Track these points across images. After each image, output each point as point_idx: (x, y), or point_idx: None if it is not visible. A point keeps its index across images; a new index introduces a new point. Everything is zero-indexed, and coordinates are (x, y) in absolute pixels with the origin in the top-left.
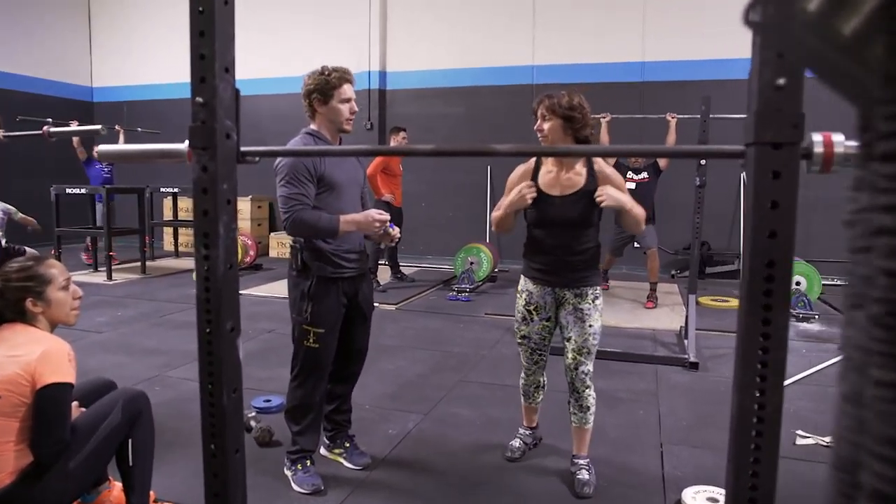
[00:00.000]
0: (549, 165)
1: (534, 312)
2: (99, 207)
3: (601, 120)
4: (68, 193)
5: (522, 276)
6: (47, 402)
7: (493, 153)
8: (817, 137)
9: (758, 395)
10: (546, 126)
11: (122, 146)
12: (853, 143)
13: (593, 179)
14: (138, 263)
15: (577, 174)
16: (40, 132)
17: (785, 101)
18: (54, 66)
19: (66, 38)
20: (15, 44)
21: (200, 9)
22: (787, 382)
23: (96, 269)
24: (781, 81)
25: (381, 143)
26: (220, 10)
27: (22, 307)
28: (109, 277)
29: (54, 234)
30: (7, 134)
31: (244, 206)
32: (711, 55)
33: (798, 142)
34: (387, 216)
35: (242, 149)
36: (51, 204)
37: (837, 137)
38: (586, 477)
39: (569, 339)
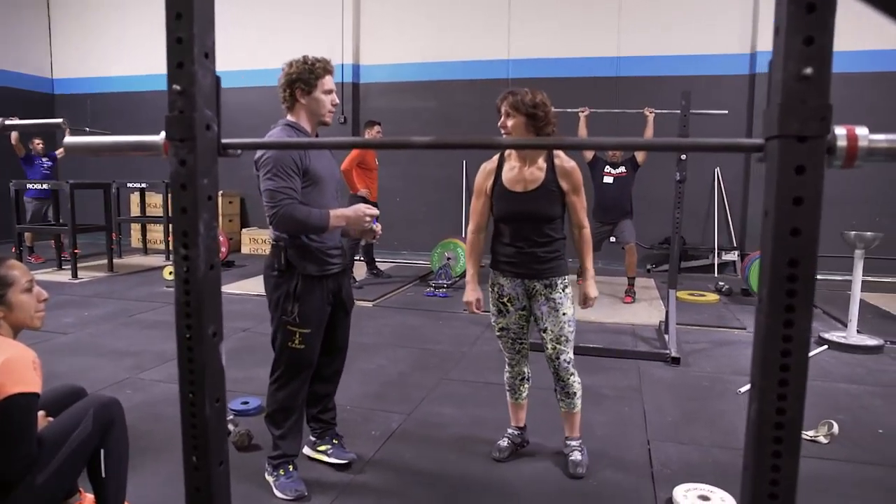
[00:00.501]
0: (512, 161)
1: (508, 304)
2: (29, 206)
3: (580, 114)
4: (29, 189)
5: (492, 270)
6: (11, 414)
7: (494, 146)
8: (840, 131)
9: (778, 400)
10: (510, 123)
11: (91, 138)
12: (878, 137)
13: (553, 174)
14: (105, 261)
15: (539, 169)
16: None
17: (811, 92)
18: (9, 56)
19: (22, 25)
20: None
21: None
22: None
23: (60, 267)
24: (808, 71)
25: (354, 136)
26: None
27: None
28: (75, 276)
29: (14, 231)
30: None
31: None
32: (686, 51)
33: (824, 135)
34: (376, 211)
35: (224, 141)
36: (9, 201)
37: (861, 131)
38: (579, 457)
39: (545, 331)
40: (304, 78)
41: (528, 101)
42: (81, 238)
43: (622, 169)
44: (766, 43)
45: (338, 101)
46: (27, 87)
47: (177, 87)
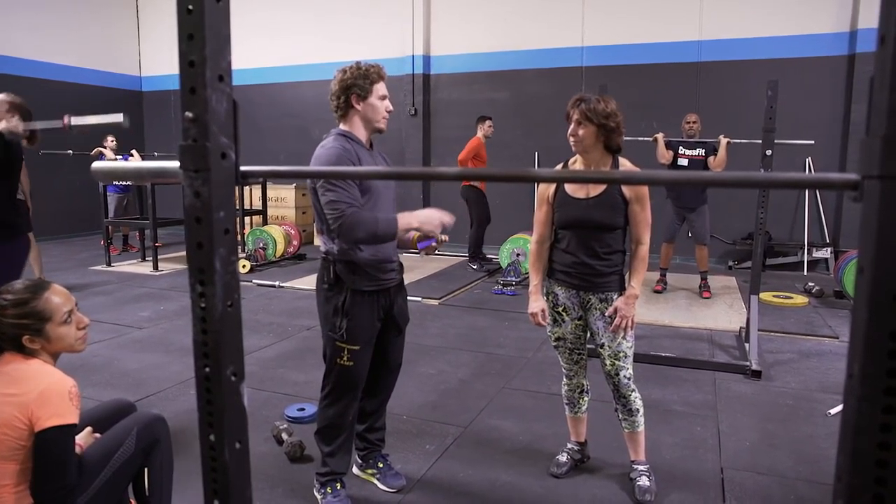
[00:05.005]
0: (576, 167)
1: (563, 313)
2: (111, 200)
3: (656, 137)
4: (112, 184)
5: (547, 278)
6: (46, 447)
7: (528, 178)
8: None
9: (873, 502)
10: (581, 132)
11: (115, 164)
12: None
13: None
14: (184, 253)
15: None
16: (61, 124)
17: None
18: (102, 56)
19: (113, 27)
20: (61, 35)
21: (189, 7)
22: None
23: (144, 259)
24: None
25: (425, 128)
26: (212, 10)
27: (19, 343)
28: (156, 268)
29: (102, 225)
30: (27, 126)
31: (288, 193)
32: (776, 32)
33: None
34: (449, 218)
35: (243, 168)
36: (96, 196)
37: None
38: (647, 483)
39: (602, 346)
40: (359, 83)
41: (602, 111)
42: (167, 229)
43: (699, 151)
44: (869, 19)
45: (392, 107)
46: (117, 85)
47: (189, 114)
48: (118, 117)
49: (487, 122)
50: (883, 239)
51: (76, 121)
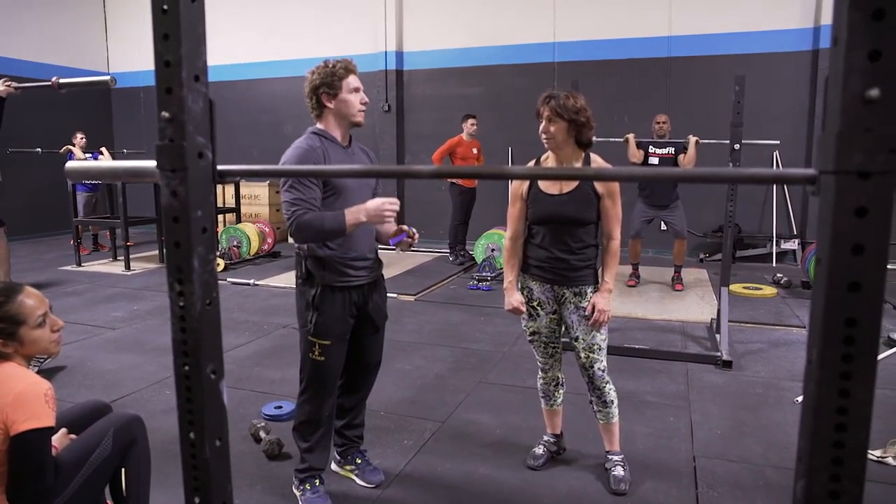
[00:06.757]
0: (548, 163)
1: (538, 308)
2: (80, 199)
3: (627, 137)
4: (82, 183)
5: (522, 273)
6: (23, 450)
7: (503, 175)
8: None
9: (830, 481)
10: (553, 128)
11: (89, 163)
12: None
13: None
14: (156, 252)
15: None
16: (49, 83)
17: (878, 119)
18: (68, 52)
19: (80, 23)
20: (27, 30)
21: (164, 7)
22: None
23: (115, 258)
24: (874, 93)
25: (399, 123)
26: (187, 9)
27: None
28: (127, 267)
29: (72, 224)
30: (18, 85)
31: (262, 191)
32: (743, 28)
33: (894, 170)
34: (396, 203)
35: (220, 168)
36: (66, 194)
37: None
38: (622, 473)
39: (577, 340)
40: (327, 82)
41: (571, 107)
42: (137, 228)
43: (669, 150)
44: (831, 16)
45: (367, 98)
46: None
47: (165, 114)
48: (105, 77)
49: (469, 121)
50: (837, 229)
51: (65, 80)
